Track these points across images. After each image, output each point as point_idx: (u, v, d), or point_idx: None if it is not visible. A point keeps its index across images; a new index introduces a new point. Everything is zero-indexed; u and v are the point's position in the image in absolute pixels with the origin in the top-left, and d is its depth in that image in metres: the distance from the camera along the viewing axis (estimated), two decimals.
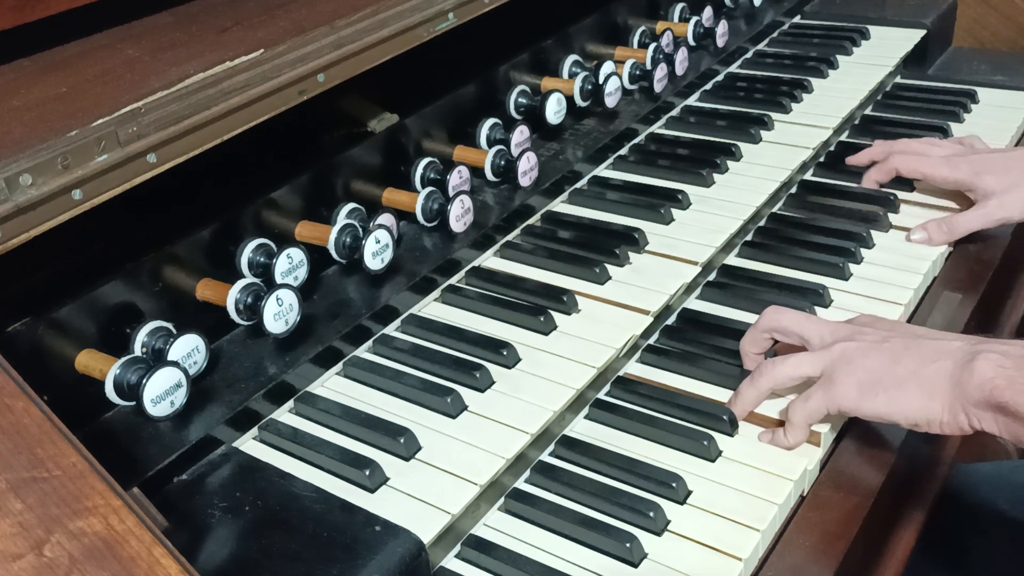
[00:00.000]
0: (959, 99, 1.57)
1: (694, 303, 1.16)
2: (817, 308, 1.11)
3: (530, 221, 1.26)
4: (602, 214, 1.28)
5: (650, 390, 1.01)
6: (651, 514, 0.86)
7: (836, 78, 1.62)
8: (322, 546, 0.77)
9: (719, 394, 1.01)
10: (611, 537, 0.84)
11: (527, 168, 1.25)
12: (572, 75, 1.41)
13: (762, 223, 1.30)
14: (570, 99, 1.35)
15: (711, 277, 1.20)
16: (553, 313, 1.06)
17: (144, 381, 0.84)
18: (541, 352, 1.02)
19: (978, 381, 0.82)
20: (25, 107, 0.84)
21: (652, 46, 1.47)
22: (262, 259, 1.01)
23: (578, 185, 1.34)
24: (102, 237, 0.92)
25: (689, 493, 0.89)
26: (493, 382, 0.98)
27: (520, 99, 1.33)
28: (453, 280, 1.14)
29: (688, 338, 1.09)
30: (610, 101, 1.39)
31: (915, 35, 1.72)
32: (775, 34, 1.80)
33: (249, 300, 0.95)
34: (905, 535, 0.99)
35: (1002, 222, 1.23)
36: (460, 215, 1.15)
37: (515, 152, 1.26)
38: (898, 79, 1.70)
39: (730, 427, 0.96)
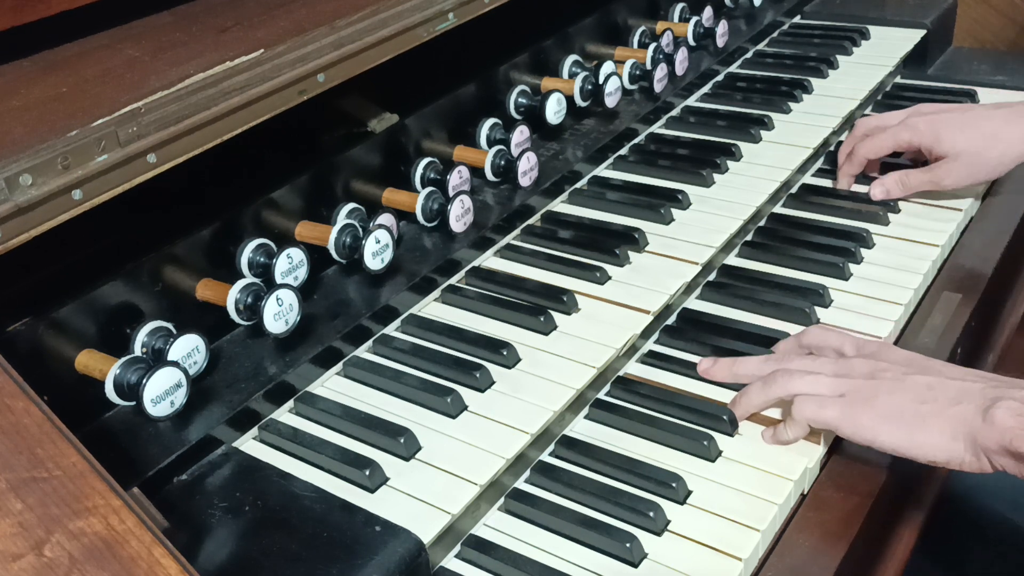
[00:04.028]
0: (959, 99, 1.57)
1: (694, 303, 1.16)
2: (817, 308, 1.11)
3: (530, 221, 1.26)
4: (602, 214, 1.28)
5: (650, 390, 1.01)
6: (651, 514, 0.86)
7: (836, 78, 1.62)
8: (322, 546, 0.77)
9: (719, 394, 1.01)
10: (611, 537, 0.84)
11: (527, 168, 1.25)
12: (572, 75, 1.41)
13: (762, 223, 1.30)
14: (570, 99, 1.35)
15: (711, 277, 1.20)
16: (553, 313, 1.06)
17: (144, 381, 0.84)
18: (541, 352, 1.02)
19: (999, 430, 0.82)
20: (25, 107, 0.84)
21: (652, 46, 1.47)
22: (262, 259, 1.01)
23: (578, 185, 1.34)
24: (102, 237, 0.92)
25: (689, 493, 0.89)
26: (493, 382, 0.98)
27: (520, 99, 1.33)
28: (453, 280, 1.14)
29: (688, 338, 1.09)
30: (610, 101, 1.39)
31: (915, 35, 1.72)
32: (775, 34, 1.80)
33: (249, 300, 0.95)
34: (905, 535, 0.99)
35: (949, 188, 1.27)
36: (460, 215, 1.15)
37: (515, 152, 1.26)
38: (898, 79, 1.70)
39: (730, 427, 0.96)
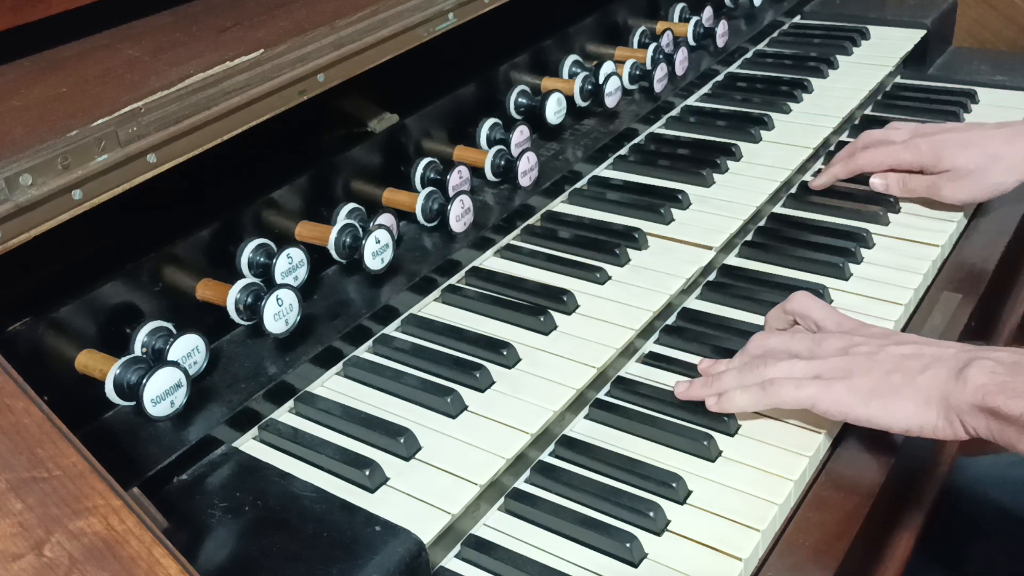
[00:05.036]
0: (959, 99, 1.57)
1: (694, 303, 1.16)
2: None
3: (530, 221, 1.26)
4: (602, 214, 1.28)
5: (650, 390, 1.01)
6: (651, 514, 0.86)
7: (836, 78, 1.62)
8: (322, 546, 0.77)
9: None
10: (611, 537, 0.84)
11: (527, 168, 1.25)
12: (572, 75, 1.41)
13: (762, 223, 1.30)
14: (570, 99, 1.35)
15: (711, 277, 1.20)
16: (553, 313, 1.06)
17: (144, 381, 0.84)
18: (541, 352, 1.02)
19: (972, 387, 0.83)
20: (25, 107, 0.84)
21: (652, 46, 1.47)
22: (262, 259, 1.01)
23: (578, 185, 1.34)
24: (102, 237, 0.92)
25: (689, 493, 0.89)
26: (493, 382, 0.98)
27: (520, 99, 1.33)
28: (453, 280, 1.14)
29: (688, 338, 1.09)
30: (610, 101, 1.39)
31: (915, 35, 1.72)
32: (775, 34, 1.80)
33: (249, 300, 0.95)
34: (905, 535, 0.99)
35: (946, 201, 1.26)
36: (460, 215, 1.15)
37: (515, 152, 1.26)
38: (898, 79, 1.70)
39: (730, 427, 0.96)
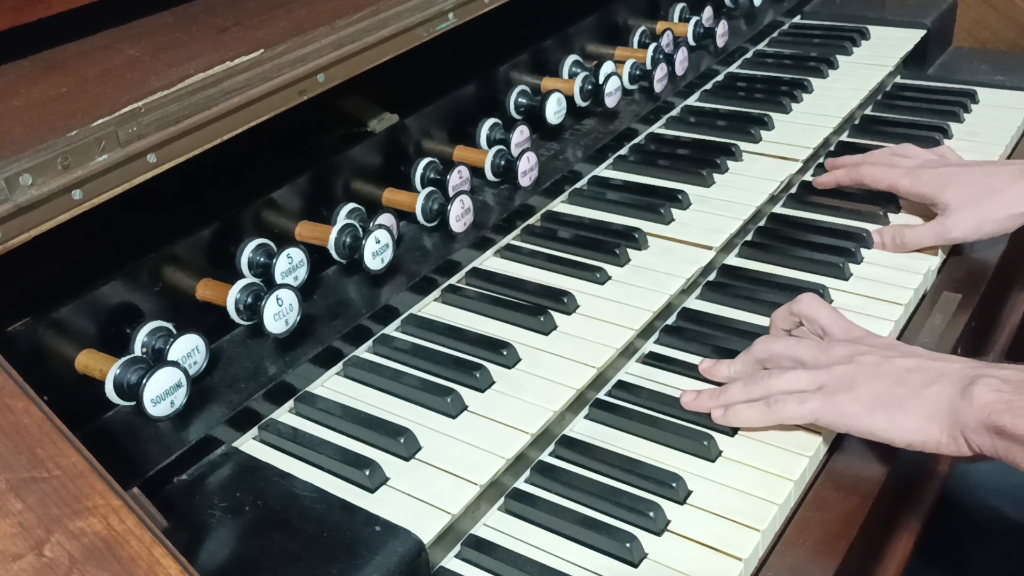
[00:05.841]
0: (959, 99, 1.57)
1: (694, 303, 1.16)
2: None
3: (530, 221, 1.26)
4: (602, 214, 1.28)
5: (650, 390, 1.01)
6: (651, 514, 0.86)
7: (836, 78, 1.62)
8: (322, 546, 0.77)
9: None
10: (611, 537, 0.84)
11: (527, 168, 1.25)
12: (572, 75, 1.41)
13: (762, 223, 1.30)
14: (570, 99, 1.35)
15: (711, 277, 1.20)
16: (553, 313, 1.06)
17: (144, 381, 0.84)
18: (541, 352, 1.02)
19: (977, 405, 0.82)
20: (25, 107, 0.84)
21: (652, 46, 1.47)
22: (262, 259, 1.01)
23: (578, 185, 1.34)
24: (102, 237, 0.92)
25: (689, 493, 0.89)
26: (493, 382, 0.98)
27: (520, 99, 1.33)
28: (453, 280, 1.14)
29: (688, 338, 1.09)
30: (610, 101, 1.39)
31: (915, 35, 1.72)
32: (775, 34, 1.80)
33: (249, 300, 0.95)
34: (905, 535, 0.99)
35: (956, 241, 1.20)
36: (460, 215, 1.15)
37: (515, 152, 1.26)
38: (898, 79, 1.70)
39: (730, 427, 0.96)
